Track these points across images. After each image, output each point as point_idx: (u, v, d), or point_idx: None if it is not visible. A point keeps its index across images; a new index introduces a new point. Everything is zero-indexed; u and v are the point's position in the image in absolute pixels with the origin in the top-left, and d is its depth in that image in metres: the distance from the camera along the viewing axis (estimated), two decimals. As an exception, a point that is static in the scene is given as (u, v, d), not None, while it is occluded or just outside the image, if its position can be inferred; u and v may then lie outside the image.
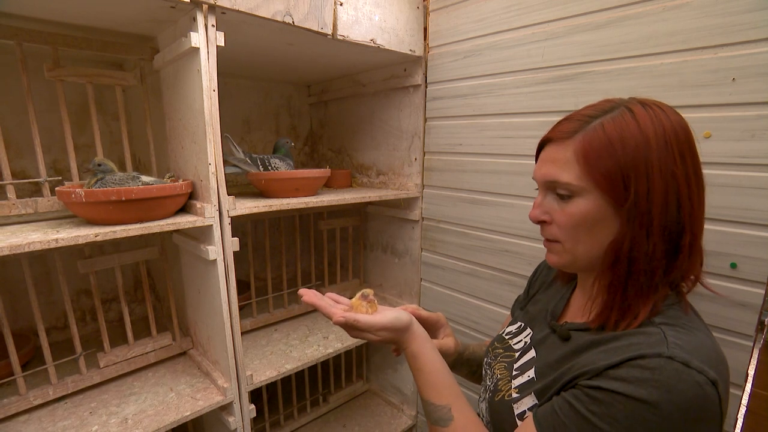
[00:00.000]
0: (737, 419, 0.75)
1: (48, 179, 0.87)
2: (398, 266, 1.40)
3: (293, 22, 0.88)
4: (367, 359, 1.61)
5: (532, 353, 0.61)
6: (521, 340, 0.66)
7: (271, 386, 1.42)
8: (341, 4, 0.96)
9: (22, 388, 0.85)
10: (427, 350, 0.63)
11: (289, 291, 1.33)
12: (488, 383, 0.66)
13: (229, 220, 0.87)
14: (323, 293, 0.68)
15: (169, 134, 0.98)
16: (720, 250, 0.74)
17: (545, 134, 0.57)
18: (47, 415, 0.86)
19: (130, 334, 0.99)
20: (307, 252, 1.49)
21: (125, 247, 1.03)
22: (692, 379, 0.42)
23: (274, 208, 0.95)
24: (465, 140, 1.15)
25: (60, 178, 0.90)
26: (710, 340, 0.48)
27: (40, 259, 1.12)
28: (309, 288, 0.68)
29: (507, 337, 0.70)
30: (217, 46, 0.79)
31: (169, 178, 0.93)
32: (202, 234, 0.89)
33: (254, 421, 1.02)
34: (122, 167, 0.95)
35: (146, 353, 1.01)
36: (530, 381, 0.57)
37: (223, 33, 0.80)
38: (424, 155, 1.27)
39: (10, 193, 0.83)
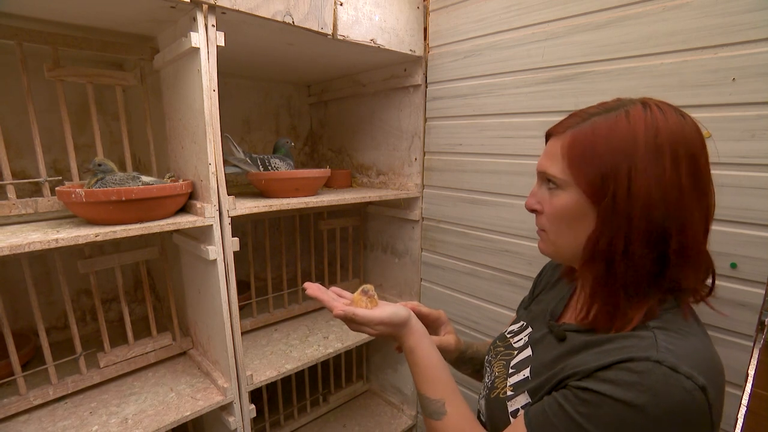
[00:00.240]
0: (737, 419, 0.75)
1: (48, 179, 0.87)
2: (398, 266, 1.40)
3: (293, 22, 0.88)
4: (367, 359, 1.61)
5: (528, 352, 0.61)
6: (521, 339, 0.66)
7: (271, 386, 1.41)
8: (341, 4, 0.96)
9: (22, 388, 0.85)
10: (424, 345, 0.64)
11: (289, 291, 1.33)
12: (487, 380, 0.67)
13: (229, 220, 0.87)
14: (327, 288, 0.70)
15: (169, 134, 0.98)
16: (720, 250, 0.74)
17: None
18: (47, 415, 0.86)
19: (130, 334, 0.99)
20: (307, 252, 1.49)
21: (125, 247, 1.03)
22: (680, 384, 0.41)
23: (274, 208, 0.95)
24: (465, 140, 1.15)
25: (60, 178, 0.90)
26: (705, 346, 0.47)
27: (40, 259, 1.12)
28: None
29: (509, 336, 0.70)
30: (217, 46, 0.79)
31: (169, 178, 0.93)
32: (202, 234, 0.89)
33: (254, 421, 1.02)
34: (122, 167, 0.95)
35: (146, 353, 1.02)
36: (525, 380, 0.57)
37: (223, 33, 0.80)
38: (424, 155, 1.27)
39: (10, 193, 0.83)
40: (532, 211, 0.60)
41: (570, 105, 0.92)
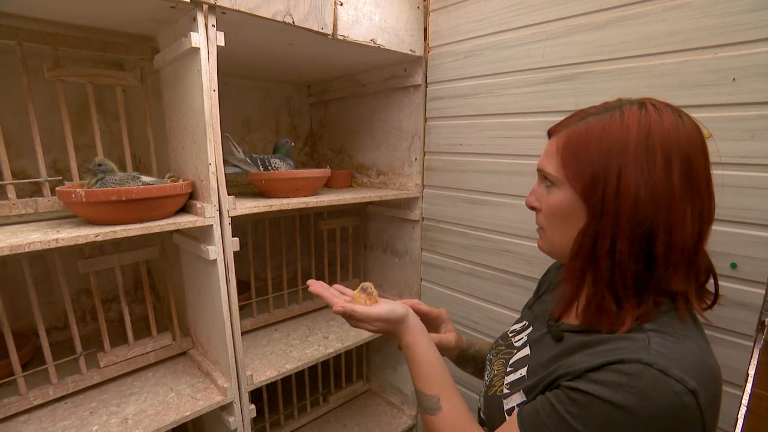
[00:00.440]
0: (737, 419, 0.75)
1: (48, 179, 0.87)
2: (398, 266, 1.40)
3: (293, 22, 0.88)
4: (367, 359, 1.61)
5: (526, 351, 0.62)
6: (521, 338, 0.67)
7: (271, 386, 1.41)
8: (341, 4, 0.96)
9: (22, 388, 0.85)
10: (421, 342, 0.65)
11: (289, 291, 1.33)
12: (486, 378, 0.68)
13: (229, 220, 0.87)
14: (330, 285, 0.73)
15: (170, 134, 0.98)
16: (720, 250, 0.74)
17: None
18: (47, 415, 0.86)
19: (130, 334, 0.99)
20: (307, 252, 1.49)
21: (125, 247, 1.03)
22: (669, 388, 0.41)
23: (274, 208, 0.95)
24: (465, 140, 1.15)
25: (60, 178, 0.90)
26: (700, 350, 0.46)
27: (41, 259, 1.12)
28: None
29: (510, 335, 0.71)
30: (217, 46, 0.79)
31: (169, 178, 0.93)
32: (202, 234, 0.89)
33: (254, 421, 1.02)
34: (122, 167, 0.95)
35: (146, 353, 1.02)
36: (521, 378, 0.58)
37: (223, 33, 0.80)
38: (424, 155, 1.27)
39: (11, 193, 0.83)
40: (532, 208, 0.61)
41: (570, 105, 0.92)
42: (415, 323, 0.67)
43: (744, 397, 0.75)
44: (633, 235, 0.47)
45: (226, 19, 0.82)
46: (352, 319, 0.65)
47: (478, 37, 1.08)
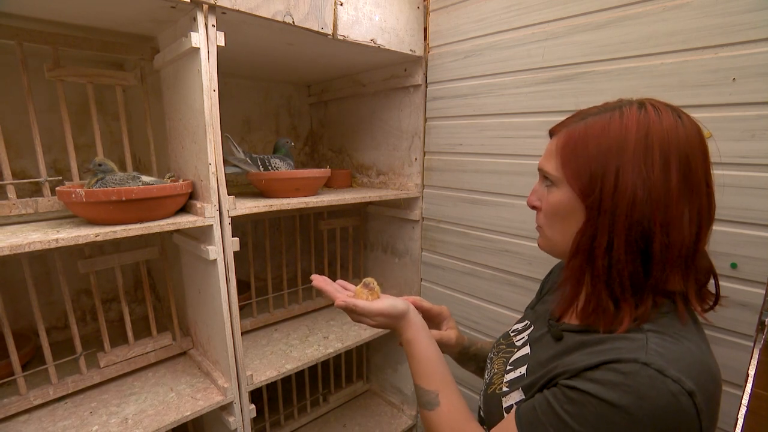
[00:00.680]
0: (737, 419, 0.75)
1: (48, 179, 0.87)
2: (398, 266, 1.40)
3: (293, 22, 0.88)
4: (367, 359, 1.61)
5: (527, 350, 0.62)
6: (522, 337, 0.67)
7: (271, 386, 1.41)
8: (341, 4, 0.96)
9: (22, 388, 0.85)
10: (421, 338, 0.65)
11: (289, 291, 1.33)
12: (486, 376, 0.68)
13: (229, 220, 0.87)
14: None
15: (170, 134, 0.98)
16: (720, 250, 0.74)
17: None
18: (47, 415, 0.86)
19: (130, 334, 0.99)
20: (307, 252, 1.49)
21: (125, 247, 1.03)
22: (666, 388, 0.41)
23: (274, 208, 0.95)
24: (465, 140, 1.15)
25: (60, 178, 0.90)
26: (699, 351, 0.46)
27: (41, 259, 1.12)
28: (311, 288, 0.70)
29: (512, 334, 0.71)
30: (217, 46, 0.79)
31: (169, 178, 0.93)
32: (202, 234, 0.89)
33: (254, 421, 1.02)
34: (122, 167, 0.95)
35: (146, 353, 1.02)
36: (521, 377, 0.58)
37: (223, 33, 0.80)
38: (424, 155, 1.27)
39: (11, 193, 0.83)
40: (533, 207, 0.61)
41: (570, 105, 0.92)
42: (416, 319, 0.67)
43: (744, 397, 0.75)
44: (630, 235, 0.48)
45: (226, 19, 0.82)
46: (354, 313, 0.66)
47: (478, 37, 1.08)
